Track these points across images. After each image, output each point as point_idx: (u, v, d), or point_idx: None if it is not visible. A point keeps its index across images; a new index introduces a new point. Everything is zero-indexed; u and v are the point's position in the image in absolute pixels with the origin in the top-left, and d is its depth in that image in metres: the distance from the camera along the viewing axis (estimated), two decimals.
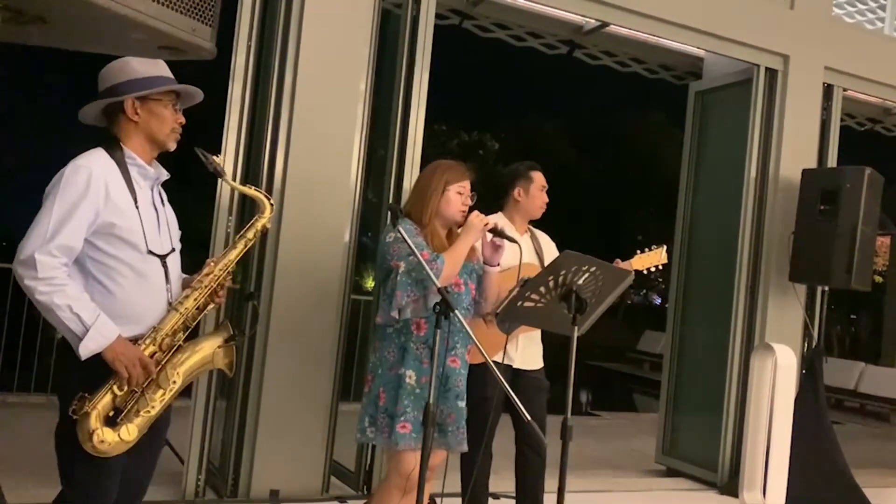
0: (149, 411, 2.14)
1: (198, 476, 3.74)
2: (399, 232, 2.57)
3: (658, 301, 32.63)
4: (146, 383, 2.14)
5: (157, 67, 2.23)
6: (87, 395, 2.06)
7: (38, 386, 5.92)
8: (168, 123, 2.24)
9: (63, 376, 2.16)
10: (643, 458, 5.79)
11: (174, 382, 2.19)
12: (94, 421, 2.05)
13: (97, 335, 2.04)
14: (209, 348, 2.29)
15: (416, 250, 2.54)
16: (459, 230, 2.85)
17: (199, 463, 3.74)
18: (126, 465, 2.15)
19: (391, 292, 2.70)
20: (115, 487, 2.13)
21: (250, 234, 2.38)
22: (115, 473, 2.12)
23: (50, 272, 2.03)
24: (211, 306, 2.31)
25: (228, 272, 2.33)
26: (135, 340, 2.15)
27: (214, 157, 2.32)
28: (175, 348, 2.21)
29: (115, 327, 2.08)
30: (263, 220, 2.41)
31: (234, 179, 3.76)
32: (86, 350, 2.04)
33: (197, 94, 2.32)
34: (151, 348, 2.16)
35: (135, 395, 2.12)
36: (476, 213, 2.81)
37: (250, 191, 2.53)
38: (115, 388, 2.09)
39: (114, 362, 2.07)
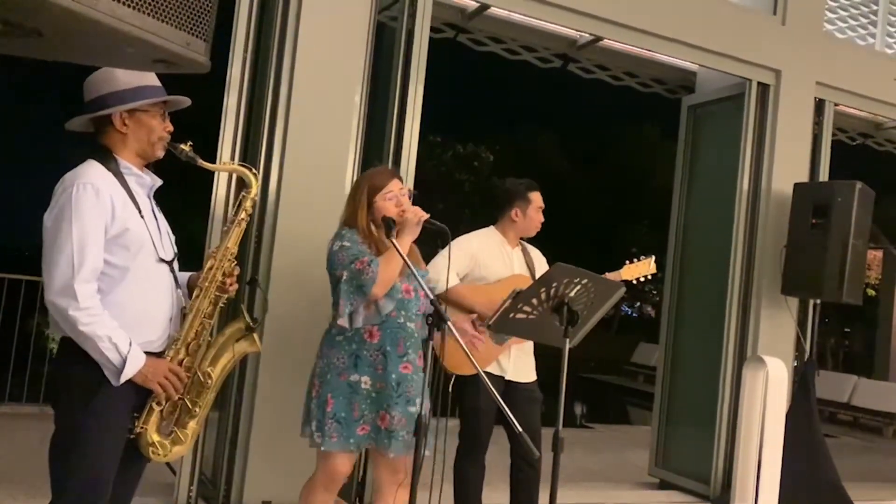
0: (194, 414, 2.23)
1: (190, 487, 3.73)
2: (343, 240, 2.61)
3: (629, 312, 32.57)
4: (185, 390, 2.20)
5: (143, 77, 2.18)
6: (136, 414, 2.15)
7: (30, 396, 5.90)
8: (156, 133, 2.21)
9: (59, 387, 2.15)
10: (636, 471, 5.79)
11: (210, 380, 2.24)
12: (151, 435, 2.17)
13: (131, 364, 2.08)
14: (231, 343, 2.32)
15: (411, 259, 2.54)
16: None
17: (192, 473, 3.73)
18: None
19: (336, 301, 2.75)
20: (106, 500, 2.13)
21: (242, 216, 2.33)
22: (107, 486, 2.12)
23: (89, 301, 2.03)
24: (224, 297, 2.30)
25: (230, 259, 2.30)
26: (160, 353, 2.19)
27: (182, 146, 2.24)
28: (202, 347, 2.26)
29: (142, 353, 2.12)
30: (250, 195, 2.34)
31: (229, 189, 3.77)
32: (123, 378, 2.08)
33: (184, 100, 2.27)
34: (180, 356, 2.20)
35: (177, 404, 2.20)
36: (412, 208, 2.79)
37: (230, 166, 2.49)
38: (154, 404, 2.17)
39: (146, 383, 2.12)
